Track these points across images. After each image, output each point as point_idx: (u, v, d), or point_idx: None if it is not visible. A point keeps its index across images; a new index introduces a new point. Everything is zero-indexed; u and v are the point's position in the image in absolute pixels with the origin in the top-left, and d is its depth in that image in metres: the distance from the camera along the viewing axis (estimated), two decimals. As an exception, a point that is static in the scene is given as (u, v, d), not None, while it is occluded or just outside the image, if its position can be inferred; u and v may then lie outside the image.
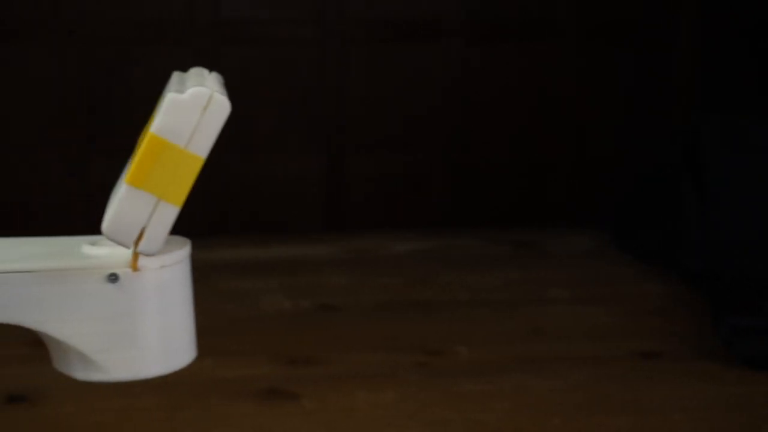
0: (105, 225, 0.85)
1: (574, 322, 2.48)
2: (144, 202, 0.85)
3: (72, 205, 3.17)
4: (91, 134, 3.17)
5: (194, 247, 0.96)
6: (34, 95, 3.13)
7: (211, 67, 3.35)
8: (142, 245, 0.86)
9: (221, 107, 0.86)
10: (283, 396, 1.97)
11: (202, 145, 0.85)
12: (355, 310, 2.57)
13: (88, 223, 3.34)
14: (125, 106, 3.18)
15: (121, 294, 0.92)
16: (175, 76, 1.07)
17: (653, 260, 3.01)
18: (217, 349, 2.14)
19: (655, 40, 3.40)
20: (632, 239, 3.19)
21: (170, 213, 0.86)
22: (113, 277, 0.91)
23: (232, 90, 3.16)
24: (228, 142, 3.21)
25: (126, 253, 0.94)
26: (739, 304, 2.40)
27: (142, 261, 0.92)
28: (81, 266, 0.91)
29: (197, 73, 1.03)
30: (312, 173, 3.32)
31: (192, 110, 0.84)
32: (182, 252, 0.95)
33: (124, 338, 0.94)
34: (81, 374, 0.97)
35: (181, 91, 0.85)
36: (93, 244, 0.97)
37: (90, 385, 2.04)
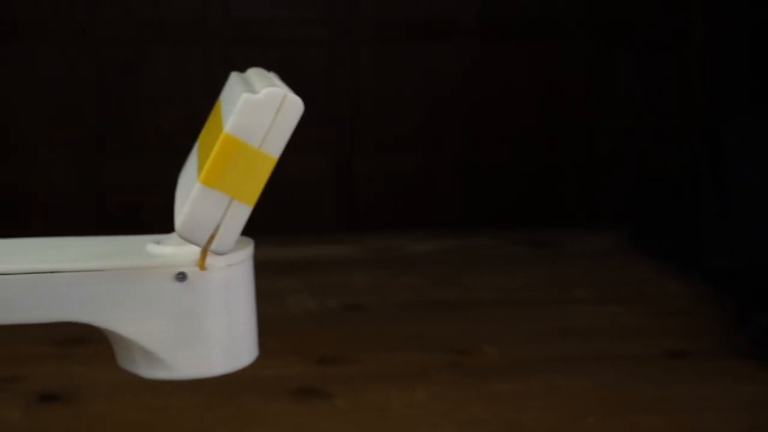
0: (179, 224, 0.85)
1: (600, 322, 2.48)
2: (217, 201, 0.85)
3: (81, 205, 3.17)
4: (101, 134, 3.17)
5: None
6: (43, 95, 3.13)
7: (222, 67, 3.39)
8: (215, 244, 0.86)
9: (295, 107, 0.86)
10: (315, 395, 1.97)
11: (275, 145, 0.85)
12: (380, 309, 2.57)
13: (98, 223, 3.36)
14: (135, 107, 3.18)
15: (188, 293, 0.92)
16: (234, 76, 1.07)
17: (673, 260, 3.01)
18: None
19: (664, 40, 3.40)
20: (651, 239, 3.19)
21: (243, 212, 0.86)
22: (181, 276, 0.91)
23: None
24: None
25: (193, 252, 0.94)
26: (767, 303, 2.40)
27: (210, 260, 0.92)
28: (149, 265, 0.91)
29: (259, 72, 1.03)
30: (322, 173, 3.32)
31: (266, 110, 0.84)
32: (247, 251, 0.95)
33: (190, 337, 0.94)
34: (145, 372, 0.97)
35: (253, 91, 0.84)
36: (158, 242, 0.97)
37: (122, 384, 2.05)
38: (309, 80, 3.26)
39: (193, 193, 0.84)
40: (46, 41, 3.10)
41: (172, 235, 1.00)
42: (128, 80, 3.17)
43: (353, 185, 3.33)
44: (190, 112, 3.21)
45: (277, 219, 3.30)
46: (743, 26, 3.33)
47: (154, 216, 3.23)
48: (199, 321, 0.93)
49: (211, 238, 0.86)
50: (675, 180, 3.35)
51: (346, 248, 3.15)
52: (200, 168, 0.87)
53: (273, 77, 0.98)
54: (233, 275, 0.95)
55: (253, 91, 0.84)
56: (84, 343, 2.29)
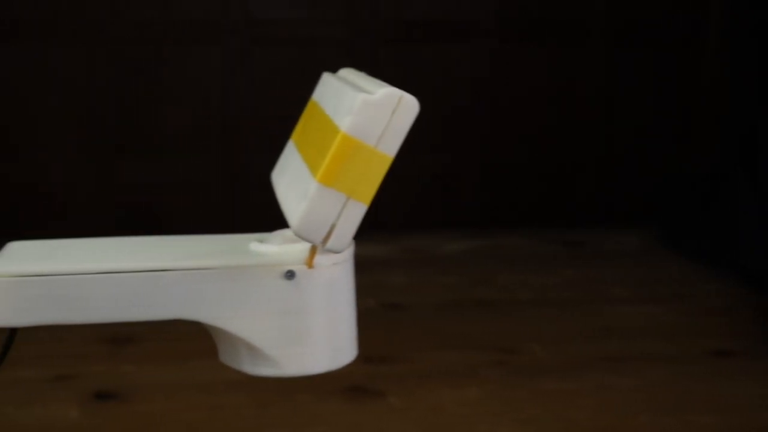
0: (296, 222, 0.85)
1: (641, 321, 2.48)
2: (334, 200, 0.85)
3: (99, 205, 3.17)
4: (119, 134, 3.16)
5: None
6: (63, 94, 3.12)
7: (241, 67, 3.39)
8: (331, 242, 0.86)
9: (410, 107, 0.86)
10: (368, 394, 1.97)
11: (391, 145, 0.85)
12: (421, 308, 2.57)
13: (116, 222, 3.36)
14: (154, 107, 3.18)
15: (296, 290, 0.92)
16: (329, 77, 1.07)
17: (707, 260, 3.00)
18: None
19: (679, 40, 3.39)
20: (683, 239, 3.18)
21: (358, 211, 0.86)
22: (290, 274, 0.91)
23: (263, 89, 3.21)
24: (258, 142, 3.24)
25: (298, 251, 0.94)
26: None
27: (317, 258, 0.92)
28: (258, 263, 0.91)
29: (356, 73, 1.03)
30: None
31: (383, 111, 0.85)
32: (349, 250, 0.95)
33: (296, 334, 0.94)
34: (250, 368, 0.97)
35: (367, 92, 0.85)
36: (261, 241, 0.97)
37: (174, 383, 2.06)
38: None
39: (310, 193, 0.85)
40: (65, 41, 3.09)
41: (276, 234, 1.00)
42: (147, 80, 3.16)
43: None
44: (209, 113, 3.21)
45: None
46: (758, 27, 3.32)
47: (172, 215, 3.23)
48: (305, 318, 0.94)
49: (327, 236, 0.86)
50: (707, 181, 3.35)
51: (379, 248, 3.15)
52: (313, 168, 0.87)
53: (370, 78, 0.98)
54: (337, 274, 0.95)
55: (367, 92, 0.85)
56: (131, 343, 2.29)
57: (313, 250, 0.91)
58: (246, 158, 3.24)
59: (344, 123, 0.84)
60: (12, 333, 0.98)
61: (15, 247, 0.97)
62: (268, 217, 3.27)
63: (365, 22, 3.26)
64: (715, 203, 3.16)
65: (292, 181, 0.93)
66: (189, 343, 2.25)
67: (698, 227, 3.21)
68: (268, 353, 0.91)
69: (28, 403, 1.93)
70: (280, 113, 3.24)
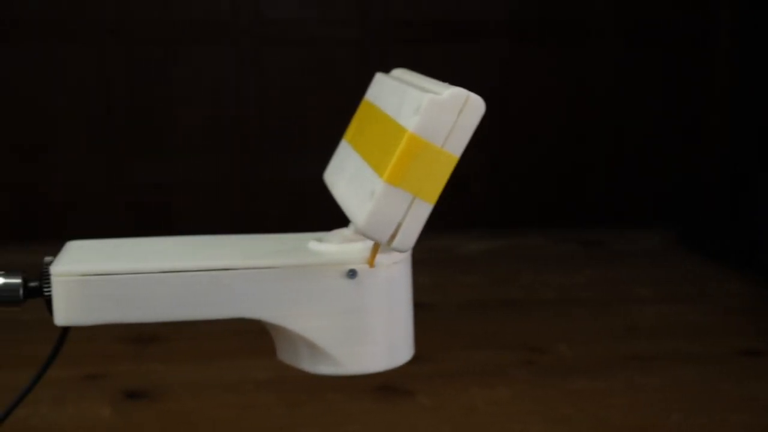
0: (363, 222, 0.85)
1: (666, 321, 2.48)
2: (401, 200, 0.85)
3: (112, 205, 3.17)
4: (131, 134, 3.16)
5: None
6: (74, 94, 3.12)
7: (252, 67, 3.38)
8: (397, 242, 0.86)
9: (477, 107, 0.86)
10: (398, 393, 1.98)
11: (457, 145, 0.85)
12: (446, 308, 2.57)
13: (128, 222, 3.37)
14: (166, 107, 3.18)
15: (357, 289, 0.92)
16: (382, 77, 1.08)
17: (729, 259, 3.00)
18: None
19: (691, 40, 3.39)
20: (704, 238, 3.18)
21: (424, 210, 0.86)
22: (352, 273, 0.91)
23: (275, 90, 3.21)
24: (270, 143, 3.24)
25: (359, 250, 0.94)
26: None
27: (377, 257, 0.92)
28: (321, 262, 0.91)
29: (412, 73, 1.03)
30: None
31: (450, 111, 0.84)
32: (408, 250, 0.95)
33: (357, 333, 0.94)
34: (309, 367, 0.97)
35: (431, 92, 0.85)
36: (319, 240, 0.97)
37: (203, 382, 2.06)
38: (340, 80, 3.26)
39: (377, 192, 0.84)
40: (77, 41, 3.09)
41: (334, 233, 1.00)
42: (158, 80, 3.16)
43: None
44: (221, 113, 3.21)
45: (313, 220, 3.29)
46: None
47: (183, 215, 3.22)
48: (366, 317, 0.94)
49: (393, 235, 0.86)
50: (726, 180, 3.35)
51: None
52: (377, 168, 0.87)
53: (427, 78, 0.98)
54: (396, 273, 0.95)
55: (433, 93, 0.84)
56: (156, 342, 2.30)
57: (375, 249, 0.91)
58: (258, 158, 3.23)
59: (411, 123, 0.84)
60: (64, 332, 0.99)
61: (74, 246, 0.98)
62: (280, 216, 3.31)
63: (376, 23, 3.26)
64: (734, 203, 3.16)
65: (353, 180, 0.93)
66: (213, 342, 2.26)
67: (717, 227, 3.21)
68: (329, 352, 0.91)
69: (61, 402, 1.93)
70: (291, 113, 3.25)
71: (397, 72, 1.08)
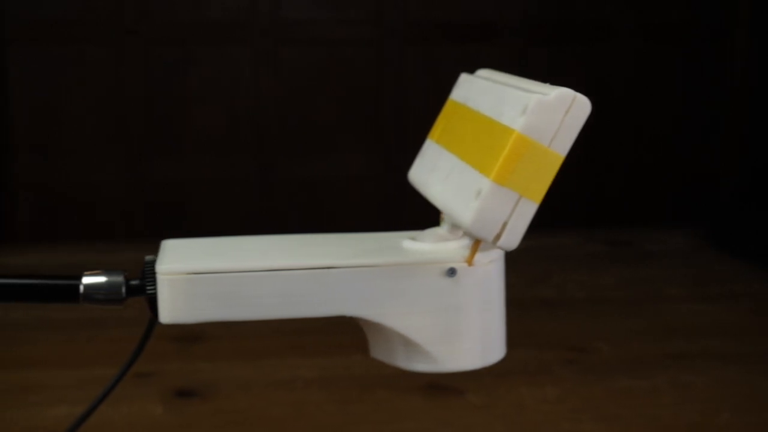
0: (469, 220, 0.84)
1: (702, 320, 2.47)
2: (507, 198, 0.84)
3: (129, 203, 3.17)
4: (150, 133, 3.16)
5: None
6: (94, 94, 3.12)
7: (269, 67, 3.37)
8: (503, 240, 0.85)
9: (583, 107, 0.85)
10: (447, 391, 1.97)
11: (563, 144, 0.84)
12: (483, 307, 2.56)
13: (146, 219, 3.35)
14: (184, 106, 3.17)
15: (455, 288, 0.91)
16: (468, 77, 1.07)
17: (757, 259, 2.99)
18: (362, 345, 2.14)
19: (708, 39, 3.38)
20: (732, 238, 3.17)
21: (530, 209, 0.85)
22: (451, 271, 0.91)
23: (292, 90, 3.20)
24: (285, 142, 3.23)
25: (455, 248, 0.93)
26: None
27: (477, 256, 0.92)
28: (421, 261, 0.91)
29: (497, 73, 1.03)
30: (373, 171, 3.32)
31: (557, 111, 0.84)
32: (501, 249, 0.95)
33: (454, 330, 0.93)
34: (404, 364, 0.96)
35: (530, 92, 0.84)
36: (413, 239, 0.96)
37: (251, 380, 2.06)
38: (357, 80, 3.25)
39: (484, 191, 0.84)
40: (95, 42, 3.09)
41: (428, 232, 1.00)
42: (176, 81, 3.16)
43: (402, 185, 3.30)
44: (238, 112, 3.20)
45: (325, 216, 3.28)
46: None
47: (202, 214, 3.22)
48: (464, 315, 0.93)
49: (499, 234, 0.85)
50: (754, 180, 3.33)
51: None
52: (481, 167, 0.86)
53: (519, 77, 0.98)
54: (493, 271, 0.94)
55: (539, 93, 0.84)
56: (201, 341, 2.29)
57: (475, 248, 0.90)
58: (274, 157, 3.23)
59: (518, 123, 0.83)
60: (151, 325, 0.98)
61: (172, 245, 0.97)
62: (296, 215, 3.30)
63: (392, 23, 3.25)
64: (761, 201, 3.15)
65: (450, 180, 0.92)
66: (258, 341, 2.26)
67: (746, 226, 3.20)
68: (428, 349, 0.90)
69: (115, 401, 1.92)
70: (308, 113, 3.25)
71: (484, 72, 1.08)
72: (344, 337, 2.21)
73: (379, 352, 1.00)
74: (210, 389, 2.00)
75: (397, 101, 3.27)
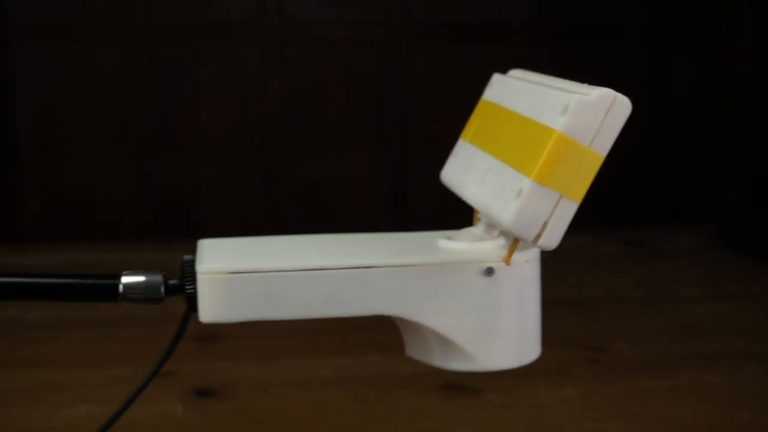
0: (510, 220, 0.85)
1: (719, 320, 2.47)
2: (548, 198, 0.84)
3: (136, 203, 3.17)
4: (157, 133, 3.16)
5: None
6: (100, 94, 3.12)
7: (277, 67, 3.37)
8: (544, 239, 0.85)
9: (624, 108, 0.85)
10: (466, 391, 1.97)
11: (604, 144, 0.84)
12: (500, 307, 2.56)
13: (154, 219, 3.35)
14: (191, 106, 3.18)
15: (493, 287, 0.91)
16: (501, 78, 1.07)
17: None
18: (379, 344, 2.15)
19: (713, 40, 3.37)
20: (744, 238, 3.17)
21: (570, 209, 0.86)
22: (489, 271, 0.91)
23: (298, 90, 3.21)
24: (291, 142, 3.24)
25: (492, 248, 0.94)
26: None
27: (514, 256, 0.92)
28: (459, 260, 0.91)
29: (530, 73, 1.03)
30: (377, 171, 3.32)
31: (598, 111, 0.84)
32: (538, 249, 0.95)
33: (491, 330, 0.94)
34: (441, 363, 0.97)
35: (569, 92, 0.84)
36: (449, 238, 0.97)
37: (270, 380, 2.06)
38: (364, 80, 3.25)
39: (525, 191, 0.84)
40: (100, 42, 3.10)
41: (463, 232, 1.00)
42: (184, 81, 3.16)
43: (408, 184, 3.30)
44: (246, 112, 3.20)
45: (331, 216, 3.27)
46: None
47: (210, 214, 3.22)
48: (501, 314, 0.93)
49: (539, 233, 0.86)
50: (762, 180, 3.33)
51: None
52: (520, 167, 0.87)
53: (554, 78, 0.98)
54: (529, 271, 0.95)
55: (579, 93, 0.84)
56: (218, 340, 2.30)
57: (513, 247, 0.91)
58: (280, 158, 3.23)
59: (558, 123, 0.84)
60: (184, 323, 0.99)
61: (208, 244, 0.98)
62: (301, 215, 3.30)
63: (399, 23, 3.25)
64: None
65: (487, 180, 0.93)
66: (274, 341, 2.26)
67: (755, 226, 3.19)
68: (464, 348, 0.91)
69: (135, 400, 1.93)
70: (314, 113, 3.25)
71: (517, 72, 1.08)
72: (359, 336, 2.22)
73: (415, 350, 1.01)
74: (228, 389, 2.00)
75: (402, 101, 3.27)
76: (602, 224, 3.39)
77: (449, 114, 3.36)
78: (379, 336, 2.19)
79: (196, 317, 0.92)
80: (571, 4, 3.32)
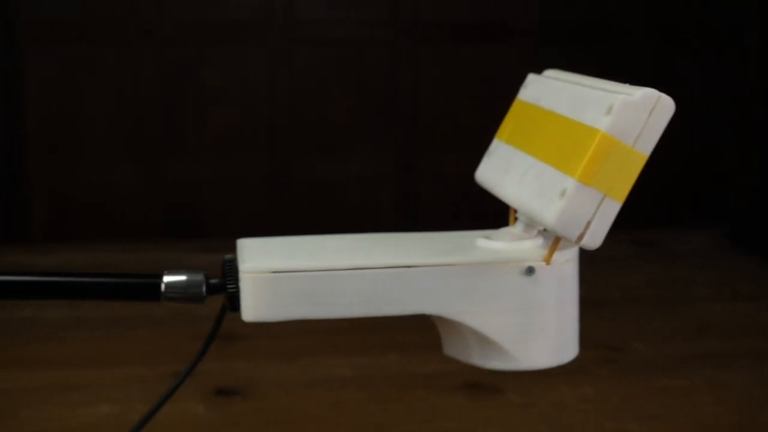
0: (553, 219, 0.85)
1: (733, 319, 2.47)
2: (592, 198, 0.85)
3: (145, 203, 3.16)
4: (166, 134, 3.15)
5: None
6: (109, 94, 3.11)
7: (285, 67, 3.34)
8: (587, 239, 0.85)
9: (667, 108, 0.85)
10: (486, 390, 1.98)
11: (647, 144, 0.84)
12: (515, 307, 2.57)
13: (163, 220, 3.33)
14: (199, 107, 3.17)
15: (534, 286, 0.92)
16: (535, 77, 1.07)
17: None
18: (397, 344, 2.15)
19: (721, 40, 3.37)
20: (756, 238, 3.17)
21: (613, 209, 0.86)
22: (530, 270, 0.91)
23: (305, 90, 3.19)
24: (300, 142, 3.24)
25: (531, 248, 0.94)
26: None
27: (554, 255, 0.92)
28: (500, 260, 0.91)
29: (566, 74, 1.03)
30: (385, 171, 3.30)
31: (641, 111, 0.84)
32: (576, 248, 0.95)
33: (531, 329, 0.94)
34: (479, 361, 0.97)
35: (610, 93, 0.84)
36: (487, 237, 0.97)
37: (291, 379, 2.06)
38: (371, 80, 3.24)
39: (569, 191, 0.84)
40: (112, 42, 3.10)
41: (502, 231, 1.00)
42: (192, 81, 3.15)
43: (415, 184, 3.30)
44: (254, 113, 3.20)
45: (338, 217, 3.27)
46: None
47: (218, 214, 3.21)
48: (541, 314, 0.93)
49: (582, 233, 0.86)
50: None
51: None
52: (563, 167, 0.87)
53: (592, 78, 0.98)
54: (569, 270, 0.95)
55: (623, 93, 0.84)
56: (237, 340, 2.30)
57: (554, 247, 0.91)
58: (288, 157, 3.23)
59: (602, 123, 0.84)
60: (220, 318, 1.00)
61: (249, 243, 0.98)
62: (310, 215, 3.30)
63: (406, 23, 3.25)
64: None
65: (527, 180, 0.93)
66: (292, 340, 2.26)
67: (766, 225, 3.20)
68: (504, 347, 0.91)
69: (153, 399, 1.93)
70: (322, 113, 3.25)
71: (552, 73, 1.08)
72: (376, 336, 2.22)
73: (453, 349, 1.01)
74: (249, 388, 2.00)
75: (411, 101, 3.27)
76: (613, 225, 3.38)
77: (457, 114, 3.38)
78: (397, 336, 2.20)
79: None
80: (579, 4, 3.31)
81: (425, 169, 3.31)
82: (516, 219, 1.01)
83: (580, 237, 0.88)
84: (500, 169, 1.05)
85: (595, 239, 0.88)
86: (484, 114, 3.31)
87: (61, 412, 1.90)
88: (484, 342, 0.97)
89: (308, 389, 1.99)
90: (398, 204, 3.31)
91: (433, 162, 3.32)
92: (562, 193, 0.86)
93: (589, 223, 0.87)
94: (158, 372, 2.10)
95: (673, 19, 3.36)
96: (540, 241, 0.96)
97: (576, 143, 0.87)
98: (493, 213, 3.71)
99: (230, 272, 0.93)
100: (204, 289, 0.96)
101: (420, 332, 2.29)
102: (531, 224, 0.98)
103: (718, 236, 3.26)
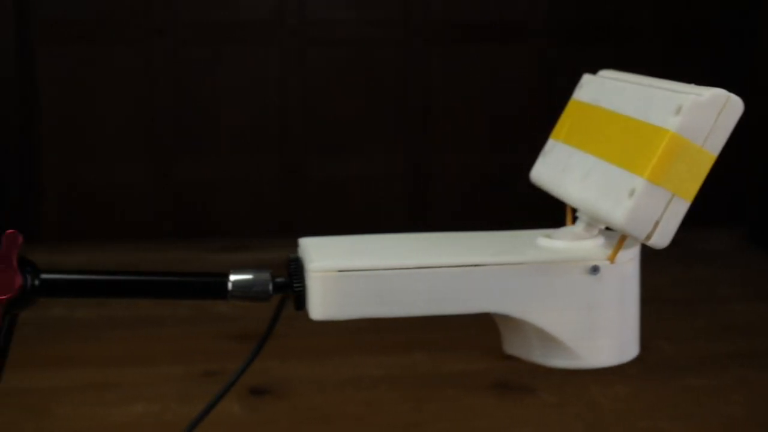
0: (623, 219, 0.85)
1: (759, 319, 2.47)
2: (660, 197, 0.85)
3: (157, 202, 3.16)
4: (178, 134, 3.15)
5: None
6: (121, 94, 3.11)
7: (297, 67, 3.33)
8: (655, 238, 0.85)
9: (736, 108, 0.86)
10: (518, 389, 1.97)
11: (716, 144, 0.85)
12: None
13: (175, 219, 3.32)
14: (211, 107, 3.17)
15: (597, 285, 0.92)
16: (590, 78, 1.07)
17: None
18: (422, 343, 2.15)
19: (731, 40, 3.36)
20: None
21: (682, 208, 0.86)
22: (594, 269, 0.91)
23: (317, 89, 3.18)
24: (312, 141, 3.23)
25: (594, 247, 0.94)
26: None
27: (618, 254, 0.92)
28: (565, 259, 0.91)
29: (622, 74, 1.03)
30: (396, 171, 3.29)
31: (711, 111, 0.85)
32: (638, 247, 0.95)
33: (595, 327, 0.94)
34: (541, 360, 0.97)
35: (678, 93, 0.85)
36: (548, 236, 0.97)
37: (323, 378, 2.06)
38: (383, 80, 3.24)
39: (639, 190, 0.84)
40: (124, 42, 3.09)
41: (562, 230, 1.00)
42: (204, 81, 3.15)
43: (426, 183, 3.29)
44: (266, 113, 3.20)
45: (350, 216, 3.27)
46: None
47: (229, 214, 3.21)
48: (604, 312, 0.93)
49: (651, 232, 0.86)
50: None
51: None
52: (630, 167, 0.87)
53: (651, 77, 0.98)
54: (631, 269, 0.95)
55: (693, 94, 0.84)
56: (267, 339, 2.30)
57: (619, 246, 0.91)
58: (301, 157, 3.23)
59: (672, 123, 0.84)
60: (278, 312, 1.00)
61: (312, 242, 0.98)
62: (324, 214, 3.29)
63: (419, 23, 3.25)
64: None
65: (590, 180, 0.93)
66: (323, 339, 2.26)
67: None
68: (568, 345, 0.91)
69: (188, 398, 1.94)
70: (334, 112, 3.25)
71: (608, 73, 1.08)
72: (402, 335, 2.22)
73: (514, 347, 1.01)
74: (282, 387, 2.01)
75: (422, 101, 3.27)
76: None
77: (468, 113, 3.37)
78: (420, 335, 2.20)
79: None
80: (589, 4, 3.31)
81: (436, 169, 3.31)
82: (575, 218, 1.01)
83: (649, 236, 0.88)
84: (558, 169, 1.05)
85: (663, 238, 0.88)
86: (495, 113, 3.31)
87: (96, 411, 1.91)
88: (547, 340, 0.97)
89: (340, 388, 1.99)
90: (409, 203, 3.31)
91: (444, 161, 3.32)
92: (631, 193, 0.86)
93: (657, 223, 0.87)
94: (189, 371, 2.10)
95: (682, 19, 3.35)
96: (601, 240, 0.96)
97: (644, 143, 0.87)
98: (505, 212, 3.73)
99: (296, 271, 0.93)
100: (270, 287, 0.96)
101: (441, 331, 2.31)
102: (592, 223, 0.98)
103: (738, 237, 3.25)
